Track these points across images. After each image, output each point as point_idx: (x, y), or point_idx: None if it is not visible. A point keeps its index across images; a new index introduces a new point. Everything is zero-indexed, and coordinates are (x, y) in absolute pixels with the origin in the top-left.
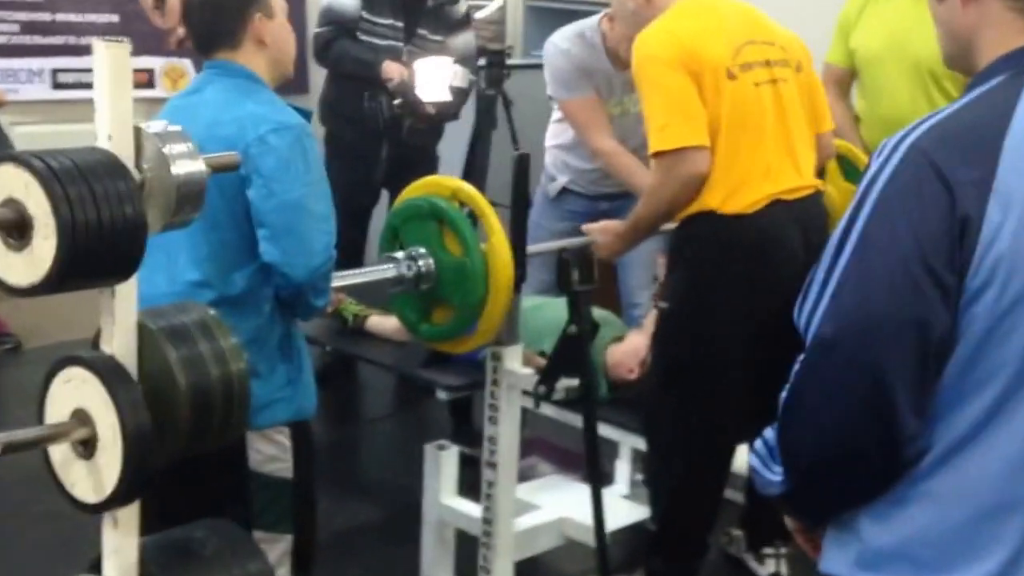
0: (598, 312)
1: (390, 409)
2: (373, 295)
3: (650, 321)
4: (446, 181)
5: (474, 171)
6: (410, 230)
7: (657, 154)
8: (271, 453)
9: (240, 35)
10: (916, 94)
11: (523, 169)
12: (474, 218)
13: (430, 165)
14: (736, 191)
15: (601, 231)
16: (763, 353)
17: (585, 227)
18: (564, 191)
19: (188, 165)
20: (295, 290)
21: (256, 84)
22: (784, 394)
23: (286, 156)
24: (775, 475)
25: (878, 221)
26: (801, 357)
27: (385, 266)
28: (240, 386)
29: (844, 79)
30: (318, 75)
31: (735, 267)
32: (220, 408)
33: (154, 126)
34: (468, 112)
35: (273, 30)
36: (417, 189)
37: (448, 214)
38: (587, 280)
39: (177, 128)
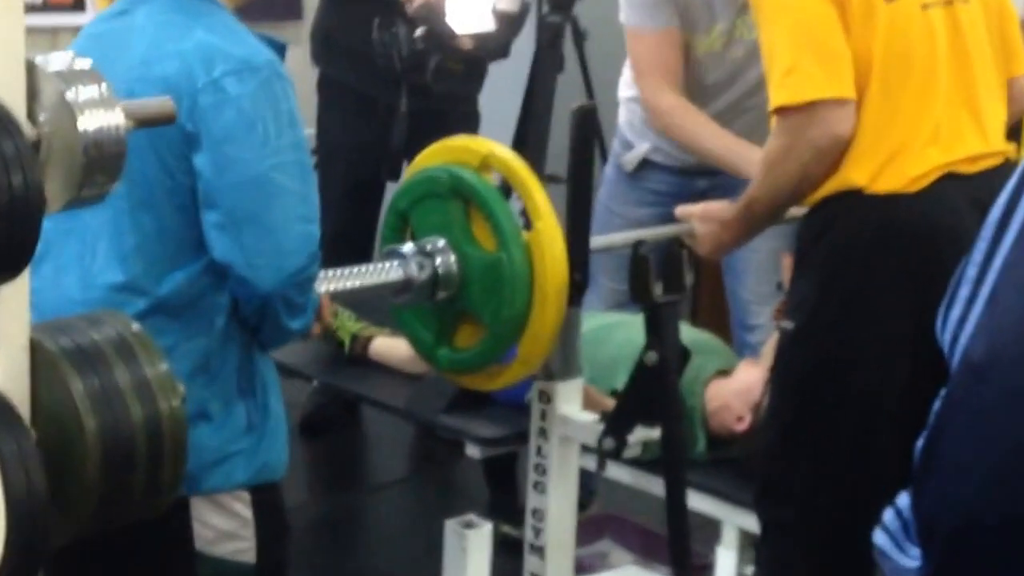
0: (693, 334)
1: (403, 471)
2: (379, 307)
3: (770, 348)
4: (475, 144)
5: (530, 134)
6: (424, 215)
7: (780, 110)
8: (226, 528)
9: None
10: None
11: (587, 127)
12: (511, 193)
13: (468, 123)
14: (892, 162)
15: (701, 217)
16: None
17: (679, 210)
18: (646, 163)
19: (102, 117)
20: (260, 303)
21: (211, 5)
22: (921, 441)
23: (250, 110)
24: (911, 559)
25: None
26: (945, 389)
27: (387, 264)
28: (173, 431)
29: None
30: None
31: (891, 269)
32: (144, 462)
33: (55, 61)
34: (523, 49)
35: None
36: (434, 156)
37: (477, 191)
38: (674, 288)
39: (87, 64)
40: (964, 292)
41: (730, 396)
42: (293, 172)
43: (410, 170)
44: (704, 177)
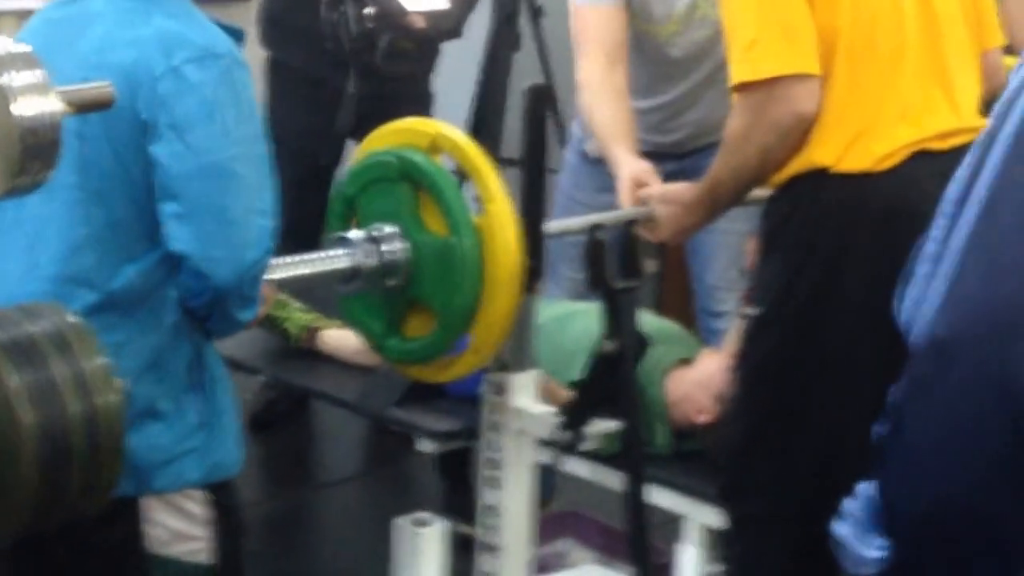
0: (654, 322)
1: (355, 467)
2: (329, 299)
3: (733, 336)
4: (423, 125)
5: (485, 116)
6: (372, 200)
7: (742, 86)
8: (178, 528)
9: None
10: None
11: (541, 108)
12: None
13: (419, 106)
14: (859, 140)
15: (662, 199)
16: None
17: (640, 192)
18: None
19: (36, 103)
20: (214, 296)
21: None
22: (882, 426)
23: (211, 98)
24: (873, 549)
25: (1015, 170)
26: (905, 371)
27: (334, 252)
28: (110, 426)
29: None
30: None
31: (859, 252)
32: (81, 458)
33: None
34: (477, 28)
35: None
36: (381, 139)
37: (427, 174)
38: (632, 274)
39: (23, 48)
40: (923, 269)
41: (691, 387)
42: (253, 164)
43: (357, 154)
44: (671, 160)
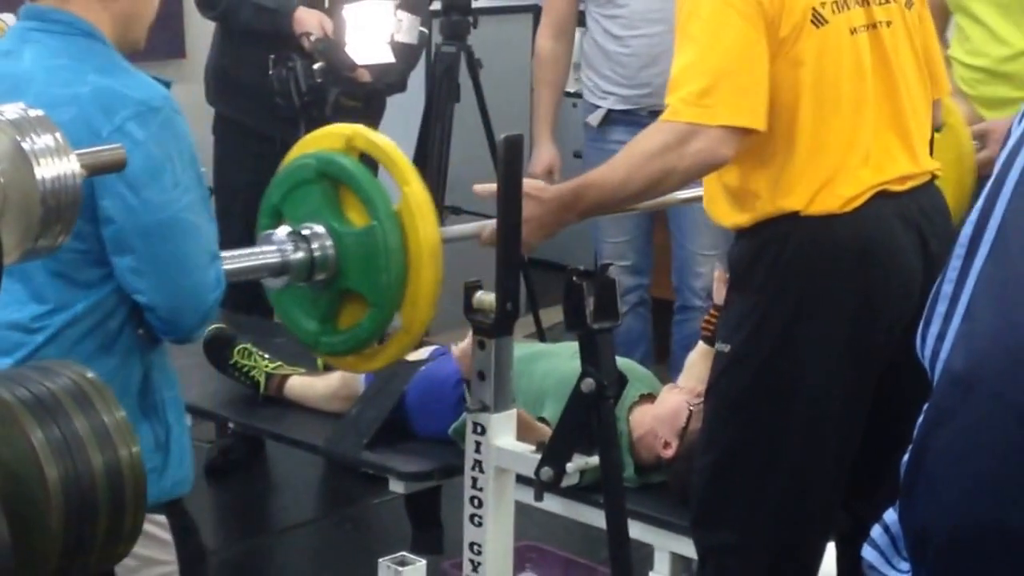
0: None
1: (317, 511)
2: (294, 349)
3: (693, 373)
4: (337, 129)
5: (429, 163)
6: (296, 203)
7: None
8: (146, 554)
9: None
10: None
11: (514, 157)
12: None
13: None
14: (827, 186)
15: (528, 194)
16: (874, 410)
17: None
18: (610, 115)
19: (57, 165)
20: (178, 338)
21: (98, 43)
22: (906, 456)
23: (157, 153)
24: (900, 572)
25: (1022, 212)
26: (928, 404)
27: (263, 248)
28: (134, 477)
29: (940, 9)
30: (200, 31)
31: (829, 288)
32: (106, 510)
33: (8, 110)
34: (417, 82)
35: None
36: (302, 147)
37: (343, 167)
38: (608, 315)
39: (39, 113)
40: (941, 309)
41: (655, 423)
42: (200, 209)
43: (281, 165)
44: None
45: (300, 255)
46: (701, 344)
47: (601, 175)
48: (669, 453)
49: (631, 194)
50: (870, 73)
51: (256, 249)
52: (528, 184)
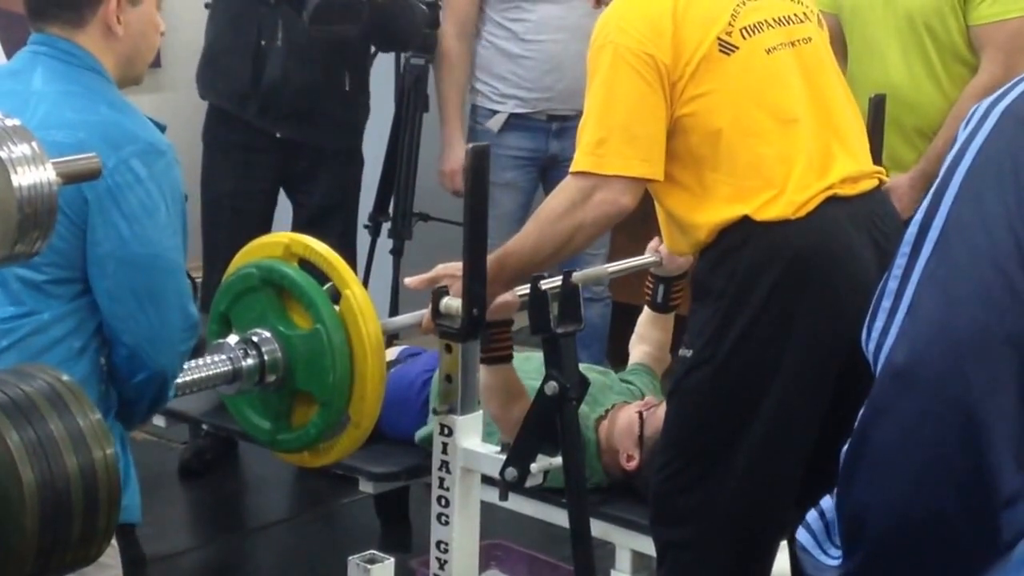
0: (589, 373)
1: (289, 510)
2: None
3: (646, 337)
4: (276, 237)
5: (398, 171)
6: (243, 311)
7: (581, 173)
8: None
9: (86, 12)
10: (910, 55)
11: (481, 165)
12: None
13: (351, 164)
14: (778, 195)
15: (446, 272)
16: (830, 408)
17: (440, 268)
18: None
19: (34, 174)
20: (152, 378)
21: (106, 82)
22: (846, 446)
23: (156, 193)
24: (832, 558)
25: (965, 209)
26: (869, 396)
27: (215, 358)
28: (108, 478)
29: (836, 33)
30: (175, 41)
31: (787, 293)
32: (81, 511)
33: None
34: (388, 90)
35: (135, 20)
36: (244, 256)
37: (285, 275)
38: (571, 319)
39: (15, 121)
40: (886, 304)
41: (615, 440)
42: (182, 251)
43: (225, 277)
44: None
45: (250, 361)
46: (647, 310)
47: (517, 243)
48: (633, 465)
49: (547, 256)
50: (798, 86)
51: (208, 360)
52: (453, 267)
